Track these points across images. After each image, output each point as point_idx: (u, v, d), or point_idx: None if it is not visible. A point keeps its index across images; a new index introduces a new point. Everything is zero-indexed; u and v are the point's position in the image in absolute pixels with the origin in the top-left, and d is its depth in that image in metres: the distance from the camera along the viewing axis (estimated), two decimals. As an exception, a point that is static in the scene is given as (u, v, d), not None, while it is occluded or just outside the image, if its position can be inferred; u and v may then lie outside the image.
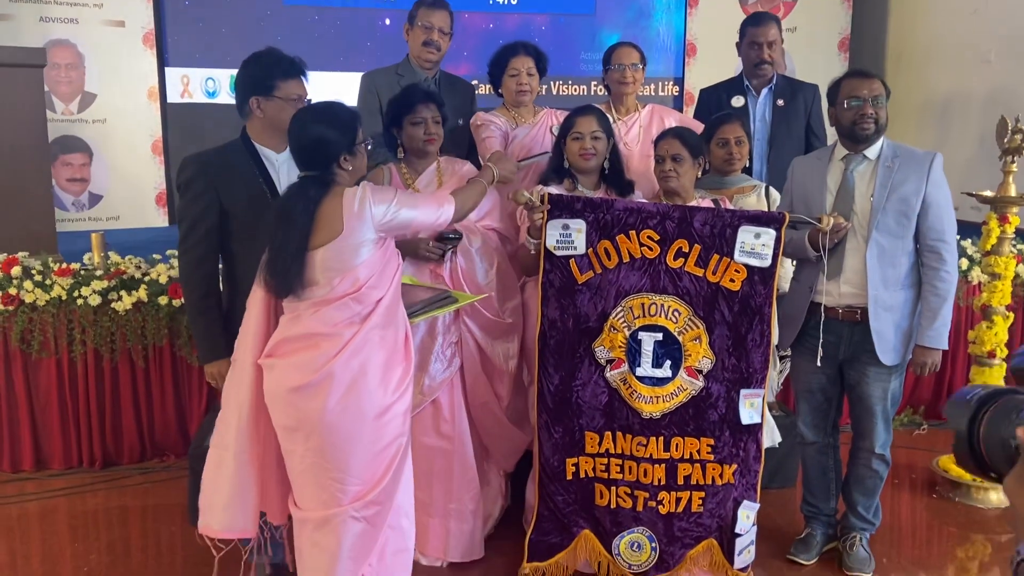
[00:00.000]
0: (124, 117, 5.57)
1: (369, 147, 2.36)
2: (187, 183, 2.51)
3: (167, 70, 5.65)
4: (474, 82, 4.10)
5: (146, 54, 5.57)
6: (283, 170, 2.56)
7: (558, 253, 2.63)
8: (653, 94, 6.27)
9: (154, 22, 5.56)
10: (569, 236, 2.61)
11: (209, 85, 5.76)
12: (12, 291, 3.51)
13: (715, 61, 5.76)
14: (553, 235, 2.62)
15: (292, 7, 5.75)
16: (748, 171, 3.30)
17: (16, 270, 3.55)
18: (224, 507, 2.31)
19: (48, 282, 3.55)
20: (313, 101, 2.46)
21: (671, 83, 6.40)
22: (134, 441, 3.72)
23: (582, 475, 2.71)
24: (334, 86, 5.51)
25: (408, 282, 2.67)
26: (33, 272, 3.57)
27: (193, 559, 2.90)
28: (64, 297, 3.54)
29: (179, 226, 2.57)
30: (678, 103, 6.26)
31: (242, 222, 2.48)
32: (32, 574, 2.99)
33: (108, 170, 5.57)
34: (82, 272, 3.62)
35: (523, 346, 2.96)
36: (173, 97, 5.67)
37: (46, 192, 4.14)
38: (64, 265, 3.63)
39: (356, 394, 2.20)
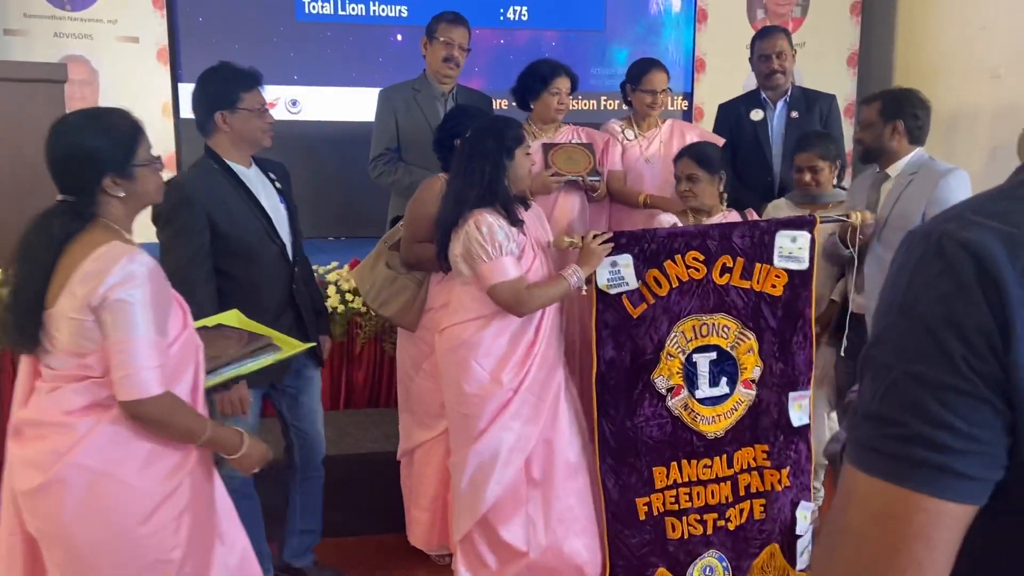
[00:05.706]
0: (137, 133, 5.54)
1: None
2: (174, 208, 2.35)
3: (180, 85, 5.63)
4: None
5: (160, 70, 5.55)
6: (257, 186, 2.52)
7: (612, 292, 2.61)
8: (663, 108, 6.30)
9: (168, 38, 5.55)
10: (619, 272, 2.60)
11: (222, 101, 5.74)
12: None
13: (724, 77, 5.81)
14: (603, 274, 2.59)
15: (305, 23, 5.75)
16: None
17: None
18: None
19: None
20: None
21: (680, 98, 6.43)
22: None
23: (655, 512, 2.69)
24: (347, 101, 5.56)
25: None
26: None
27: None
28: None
29: (166, 256, 2.37)
30: (687, 118, 6.30)
31: (239, 240, 2.43)
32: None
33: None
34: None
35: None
36: (186, 112, 5.64)
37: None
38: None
39: (102, 497, 1.69)
